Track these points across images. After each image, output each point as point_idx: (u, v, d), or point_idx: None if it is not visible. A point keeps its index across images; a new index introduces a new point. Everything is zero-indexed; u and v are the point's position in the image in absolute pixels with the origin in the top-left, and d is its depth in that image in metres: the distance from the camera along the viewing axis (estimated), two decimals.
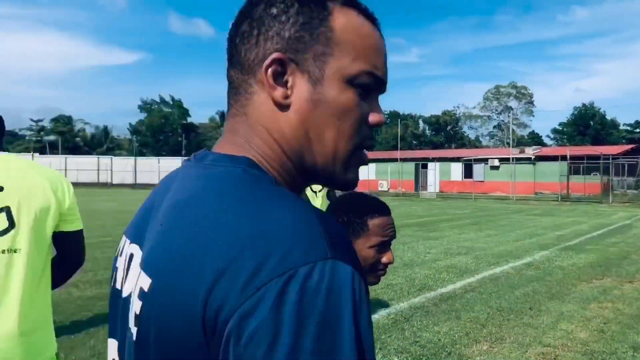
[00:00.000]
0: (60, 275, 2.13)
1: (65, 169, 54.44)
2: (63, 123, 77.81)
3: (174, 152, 69.84)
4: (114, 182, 53.97)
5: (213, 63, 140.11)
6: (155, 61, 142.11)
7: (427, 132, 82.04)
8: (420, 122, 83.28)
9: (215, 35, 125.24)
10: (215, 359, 0.59)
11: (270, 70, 0.73)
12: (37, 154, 58.45)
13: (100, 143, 78.30)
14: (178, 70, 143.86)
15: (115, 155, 64.59)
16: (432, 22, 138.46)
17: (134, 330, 0.69)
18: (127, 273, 0.78)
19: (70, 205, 2.07)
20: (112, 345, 0.82)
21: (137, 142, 75.81)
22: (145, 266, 0.69)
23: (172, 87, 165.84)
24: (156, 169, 48.26)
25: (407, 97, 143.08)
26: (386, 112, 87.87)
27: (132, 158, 58.56)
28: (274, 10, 0.74)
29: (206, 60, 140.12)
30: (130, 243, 0.81)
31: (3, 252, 1.86)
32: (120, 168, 55.14)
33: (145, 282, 0.67)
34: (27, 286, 1.90)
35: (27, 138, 78.04)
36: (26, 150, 64.74)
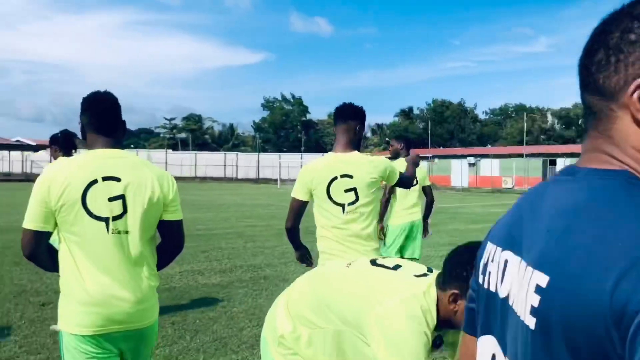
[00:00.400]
0: (164, 258, 2.51)
1: (195, 165, 57.94)
2: (194, 121, 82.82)
3: (294, 148, 71.77)
4: (239, 176, 56.56)
5: (331, 60, 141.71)
6: (277, 60, 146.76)
7: (557, 126, 77.22)
8: (549, 115, 78.56)
9: (333, 32, 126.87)
10: (620, 346, 0.66)
11: (635, 95, 0.78)
12: (170, 151, 62.74)
13: (227, 140, 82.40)
14: (298, 68, 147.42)
15: (240, 151, 67.64)
16: (562, 9, 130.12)
17: (530, 321, 0.78)
18: (502, 276, 0.90)
19: (173, 198, 2.44)
20: (489, 340, 0.95)
21: (259, 139, 78.90)
22: (539, 265, 0.79)
23: (293, 85, 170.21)
24: (277, 164, 49.85)
25: (534, 89, 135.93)
26: (511, 106, 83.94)
27: (255, 154, 61.08)
28: (632, 37, 0.78)
29: (325, 58, 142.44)
30: (502, 250, 0.92)
31: (119, 232, 2.28)
32: (245, 163, 57.71)
33: (542, 279, 0.77)
34: (136, 261, 2.32)
35: (161, 135, 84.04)
36: (160, 147, 69.72)
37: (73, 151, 5.37)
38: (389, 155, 5.92)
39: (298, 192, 3.51)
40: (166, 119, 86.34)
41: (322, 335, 2.16)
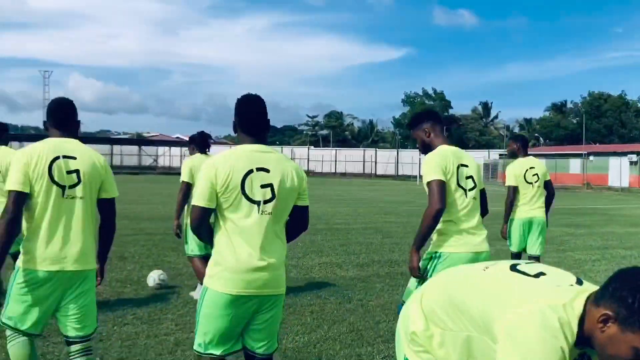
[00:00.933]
0: (292, 236, 3.02)
1: (335, 160, 59.20)
2: (335, 118, 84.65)
3: None
4: (377, 173, 56.78)
5: (476, 53, 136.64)
6: (419, 55, 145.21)
7: None
8: None
9: (479, 24, 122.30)
10: None
11: None
12: (311, 147, 64.72)
13: (366, 136, 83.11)
14: (440, 62, 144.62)
15: (379, 147, 67.89)
16: None
17: None
18: None
19: (304, 187, 2.95)
20: None
21: (399, 135, 78.47)
22: None
23: (435, 79, 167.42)
24: (417, 161, 49.28)
25: None
26: None
27: (395, 150, 60.86)
28: None
29: (469, 51, 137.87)
30: None
31: (266, 214, 2.78)
32: (384, 160, 57.78)
33: None
34: (275, 237, 2.82)
35: (304, 132, 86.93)
36: (303, 143, 72.14)
37: (207, 150, 6.23)
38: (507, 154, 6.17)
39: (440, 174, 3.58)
40: (309, 116, 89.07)
41: (453, 337, 2.09)
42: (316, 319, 5.45)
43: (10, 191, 2.91)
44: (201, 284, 5.70)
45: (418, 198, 23.42)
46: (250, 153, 2.81)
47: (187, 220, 5.73)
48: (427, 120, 3.78)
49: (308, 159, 59.28)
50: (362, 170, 57.35)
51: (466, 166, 3.66)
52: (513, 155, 6.49)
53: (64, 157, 3.04)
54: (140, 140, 71.25)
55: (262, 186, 2.75)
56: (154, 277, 6.53)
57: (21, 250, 3.01)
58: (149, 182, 33.44)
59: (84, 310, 3.10)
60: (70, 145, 3.12)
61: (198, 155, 6.15)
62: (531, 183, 6.23)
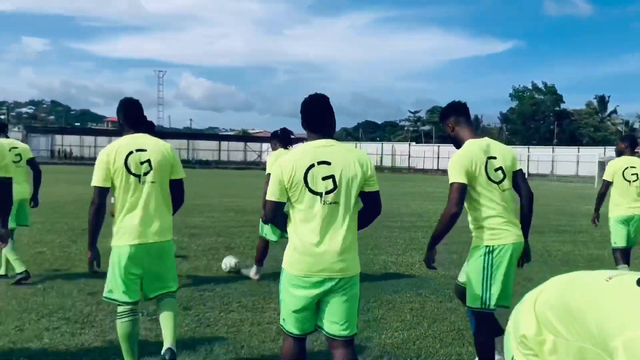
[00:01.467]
0: (364, 221, 3.17)
1: (438, 157, 58.04)
2: (437, 113, 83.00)
3: (545, 141, 67.05)
4: None
5: (590, 44, 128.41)
6: (527, 47, 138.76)
7: None
8: None
9: (594, 13, 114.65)
10: None
11: None
12: (413, 143, 63.91)
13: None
14: (551, 55, 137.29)
15: None
16: None
17: None
18: None
19: (370, 174, 3.09)
20: None
21: (507, 131, 75.47)
22: None
23: (545, 72, 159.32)
24: (525, 157, 47.15)
25: None
26: None
27: None
28: None
29: (582, 42, 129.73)
30: None
31: (331, 203, 3.00)
32: None
33: None
34: (340, 224, 3.02)
35: (405, 128, 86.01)
36: (404, 139, 71.41)
37: (289, 146, 6.70)
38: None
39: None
40: (410, 111, 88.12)
41: (566, 346, 1.99)
42: (416, 316, 5.41)
43: (95, 187, 3.58)
44: (256, 264, 6.68)
45: None
46: (313, 149, 3.07)
47: None
48: (449, 115, 3.80)
49: (409, 155, 58.60)
50: None
51: (494, 158, 3.70)
52: (620, 154, 6.60)
53: (137, 150, 3.66)
54: (245, 137, 73.98)
55: (324, 178, 3.00)
56: (228, 264, 7.04)
57: (113, 230, 3.65)
58: (254, 177, 34.61)
59: (167, 274, 3.78)
60: (141, 139, 3.73)
61: (280, 149, 6.64)
62: (629, 181, 6.37)
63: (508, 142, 62.70)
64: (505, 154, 3.78)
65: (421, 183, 31.10)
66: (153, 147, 3.74)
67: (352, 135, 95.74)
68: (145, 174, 3.65)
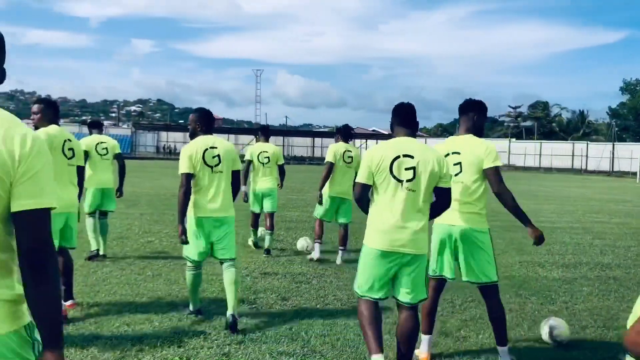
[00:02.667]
0: (436, 211, 3.74)
1: (540, 154, 55.45)
2: (540, 109, 79.22)
3: None
4: (588, 168, 51.89)
5: None
6: None
7: None
8: None
9: None
10: None
11: None
12: (513, 139, 61.44)
13: (576, 128, 76.34)
14: None
15: (591, 140, 61.89)
16: None
17: None
18: None
19: (445, 172, 3.63)
20: None
21: (616, 127, 70.74)
22: None
23: None
24: (637, 155, 43.94)
25: None
26: None
27: (610, 144, 54.93)
28: None
29: None
30: None
31: (409, 190, 3.55)
32: (596, 154, 52.53)
33: None
34: (415, 208, 3.57)
35: (505, 124, 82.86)
36: (504, 135, 68.79)
37: (349, 139, 7.91)
38: None
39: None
40: (511, 107, 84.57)
41: None
42: (515, 317, 5.25)
43: (182, 173, 4.65)
44: (317, 244, 7.64)
45: (637, 197, 20.98)
46: (399, 143, 3.65)
47: (322, 191, 7.56)
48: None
49: (509, 152, 56.40)
50: (570, 165, 52.89)
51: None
52: None
53: (211, 147, 4.76)
54: (334, 133, 74.15)
55: (406, 168, 3.55)
56: (305, 244, 8.16)
57: (190, 205, 4.71)
58: None
59: (228, 242, 4.81)
60: (213, 140, 4.83)
61: (341, 142, 7.71)
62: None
63: (618, 139, 58.76)
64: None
65: (522, 181, 29.85)
66: (222, 145, 4.83)
67: (448, 131, 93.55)
68: (216, 165, 4.73)
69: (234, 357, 4.05)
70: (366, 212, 3.71)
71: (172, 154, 58.70)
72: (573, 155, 53.19)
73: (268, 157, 8.01)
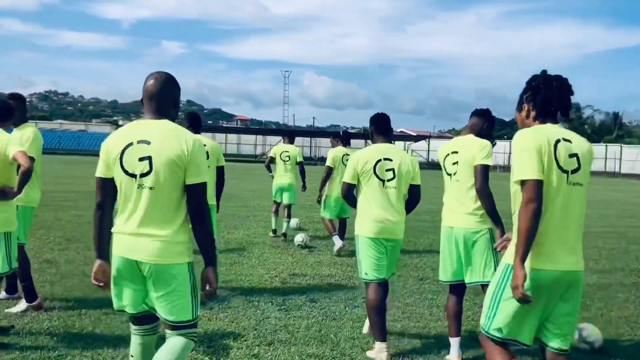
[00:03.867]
0: (409, 207, 4.43)
1: None
2: (572, 111, 77.69)
3: None
4: (622, 171, 50.74)
5: None
6: None
7: None
8: None
9: None
10: None
11: None
12: None
13: (609, 130, 74.76)
14: None
15: (625, 143, 60.48)
16: None
17: None
18: None
19: (417, 171, 4.37)
20: None
21: None
22: None
23: None
24: None
25: None
26: None
27: None
28: None
29: None
30: None
31: (392, 188, 4.27)
32: (631, 157, 51.35)
33: None
34: (397, 202, 4.31)
35: None
36: None
37: (348, 145, 8.69)
38: None
39: None
40: None
41: None
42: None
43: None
44: (335, 236, 8.23)
45: None
46: (380, 148, 4.35)
47: (326, 192, 8.41)
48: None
49: None
50: (603, 168, 51.79)
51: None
52: None
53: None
54: (365, 135, 73.83)
55: (387, 170, 4.24)
56: (301, 239, 8.53)
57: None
58: None
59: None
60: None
61: (340, 147, 8.56)
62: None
63: None
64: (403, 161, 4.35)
65: None
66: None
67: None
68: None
69: (263, 359, 4.06)
70: (354, 206, 4.46)
71: None
72: (606, 158, 52.08)
73: (289, 156, 9.32)
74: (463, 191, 4.04)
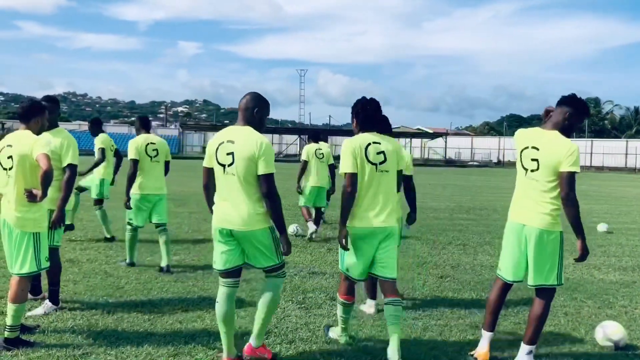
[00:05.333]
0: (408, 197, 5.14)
1: (591, 153, 53.77)
2: (591, 106, 76.79)
3: None
4: None
5: None
6: None
7: None
8: None
9: None
10: None
11: None
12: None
13: (629, 125, 73.70)
14: None
15: None
16: None
17: None
18: None
19: (405, 161, 4.41)
20: None
21: None
22: None
23: None
24: None
25: None
26: None
27: None
28: None
29: None
30: None
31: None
32: None
33: None
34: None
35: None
36: None
37: (319, 141, 9.48)
38: None
39: None
40: None
41: None
42: (571, 321, 5.09)
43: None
44: (310, 222, 9.13)
45: None
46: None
47: (302, 183, 9.16)
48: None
49: None
50: (624, 164, 51.08)
51: (378, 143, 4.18)
52: None
53: (317, 150, 6.65)
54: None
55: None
56: (293, 229, 9.17)
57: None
58: None
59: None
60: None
61: (312, 143, 9.39)
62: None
63: None
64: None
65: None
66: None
67: (495, 129, 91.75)
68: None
69: (284, 357, 4.07)
70: (352, 204, 4.02)
71: None
72: (627, 154, 51.35)
73: (322, 153, 9.96)
74: (541, 191, 3.83)
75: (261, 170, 3.66)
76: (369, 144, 4.05)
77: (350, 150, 4.00)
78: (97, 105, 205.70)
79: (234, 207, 3.73)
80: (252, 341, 3.92)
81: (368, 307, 5.21)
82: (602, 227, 11.05)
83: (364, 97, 4.23)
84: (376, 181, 4.02)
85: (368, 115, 4.16)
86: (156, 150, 6.73)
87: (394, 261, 4.09)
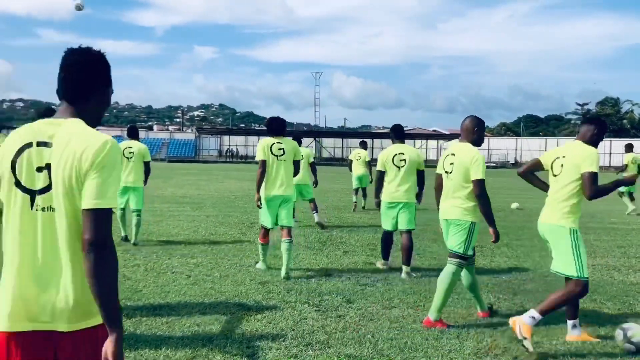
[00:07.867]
0: (419, 186, 7.09)
1: (610, 152, 53.10)
2: (610, 105, 75.85)
3: None
4: None
5: None
6: None
7: None
8: None
9: None
10: None
11: None
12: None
13: None
14: None
15: None
16: None
17: None
18: None
19: (421, 161, 7.02)
20: None
21: None
22: None
23: None
24: None
25: None
26: None
27: None
28: None
29: None
30: None
31: (402, 167, 6.87)
32: None
33: None
34: (412, 178, 6.94)
35: (572, 122, 79.82)
36: (570, 134, 66.18)
37: (279, 136, 8.24)
38: None
39: None
40: (578, 104, 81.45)
41: None
42: (590, 323, 5.03)
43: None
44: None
45: None
46: (397, 147, 6.94)
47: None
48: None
49: None
50: None
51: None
52: None
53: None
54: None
55: (401, 160, 6.84)
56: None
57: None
58: None
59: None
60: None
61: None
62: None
63: None
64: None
65: None
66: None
67: (512, 130, 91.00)
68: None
69: (301, 359, 4.07)
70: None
71: (234, 157, 59.82)
72: None
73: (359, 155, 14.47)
74: (559, 188, 4.43)
75: (473, 176, 5.00)
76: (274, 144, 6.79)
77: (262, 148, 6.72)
78: (114, 111, 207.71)
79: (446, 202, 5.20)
80: (430, 315, 4.83)
81: (381, 264, 7.23)
82: (514, 205, 14.38)
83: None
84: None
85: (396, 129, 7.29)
86: (132, 153, 8.54)
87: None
